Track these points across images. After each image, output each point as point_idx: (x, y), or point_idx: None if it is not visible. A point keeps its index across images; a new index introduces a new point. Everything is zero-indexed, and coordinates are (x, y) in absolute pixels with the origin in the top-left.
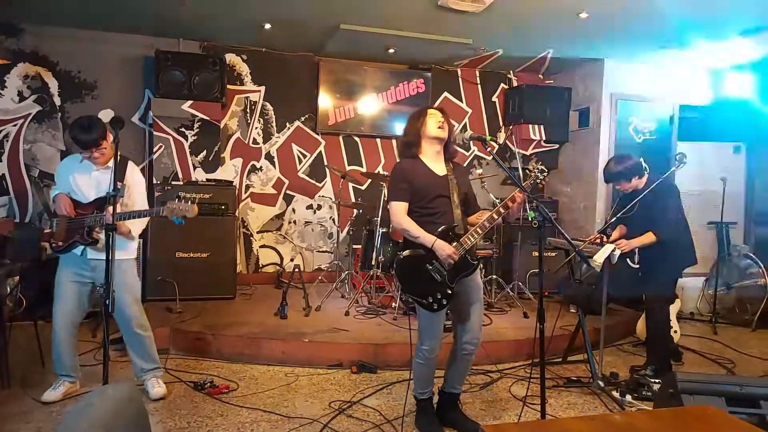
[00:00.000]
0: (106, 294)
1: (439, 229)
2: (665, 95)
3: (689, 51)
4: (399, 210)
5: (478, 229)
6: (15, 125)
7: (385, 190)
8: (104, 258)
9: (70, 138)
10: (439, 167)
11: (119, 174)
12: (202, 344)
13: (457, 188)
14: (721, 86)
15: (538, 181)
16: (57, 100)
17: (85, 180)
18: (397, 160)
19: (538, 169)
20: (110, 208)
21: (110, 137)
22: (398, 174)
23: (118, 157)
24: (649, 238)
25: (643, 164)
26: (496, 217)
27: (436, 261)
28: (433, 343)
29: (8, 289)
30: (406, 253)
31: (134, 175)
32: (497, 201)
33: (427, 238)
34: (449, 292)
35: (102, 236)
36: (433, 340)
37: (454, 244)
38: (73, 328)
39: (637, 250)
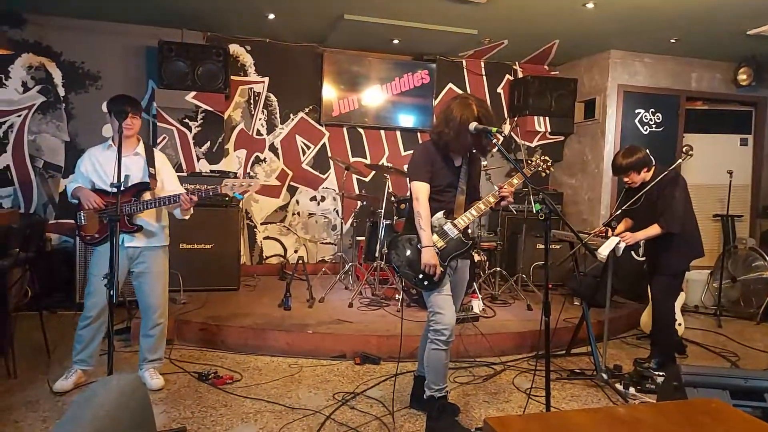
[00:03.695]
0: (110, 284)
1: (440, 212)
2: (672, 86)
3: (692, 42)
4: (423, 191)
5: (473, 211)
6: (19, 116)
7: (389, 182)
8: (143, 246)
9: (108, 106)
10: (457, 158)
11: (149, 160)
12: (207, 335)
13: (467, 177)
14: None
15: (540, 169)
16: (61, 91)
17: (112, 168)
18: (425, 140)
19: (540, 158)
20: (145, 195)
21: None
22: (425, 156)
23: (143, 148)
24: (654, 230)
25: (651, 158)
26: (492, 200)
27: None
28: (448, 320)
29: (14, 279)
30: (402, 234)
31: (161, 159)
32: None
33: (426, 236)
34: (440, 269)
35: (144, 222)
36: (448, 316)
37: (447, 225)
38: (104, 317)
39: (642, 242)
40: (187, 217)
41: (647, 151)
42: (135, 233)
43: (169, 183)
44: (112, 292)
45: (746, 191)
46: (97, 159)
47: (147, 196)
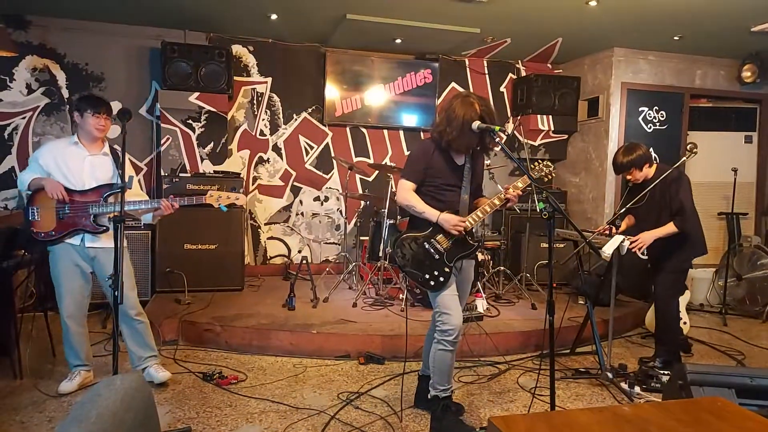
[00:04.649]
0: (115, 285)
1: (446, 213)
2: (676, 84)
3: (696, 39)
4: (406, 187)
5: (479, 213)
6: (24, 118)
7: (392, 182)
8: (103, 246)
9: (79, 104)
10: (460, 157)
11: (117, 163)
12: (211, 335)
13: (470, 176)
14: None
15: (543, 174)
16: (65, 93)
17: (78, 166)
18: (425, 138)
19: (543, 164)
20: (125, 198)
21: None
22: (421, 154)
23: (108, 149)
24: (670, 228)
25: (652, 153)
26: (497, 203)
27: (434, 240)
28: (456, 321)
29: (19, 280)
30: (407, 233)
31: (129, 164)
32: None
33: (431, 212)
34: (447, 270)
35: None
36: (455, 317)
37: None
38: (82, 318)
39: None
40: (155, 222)
41: (648, 147)
42: (101, 234)
43: (133, 185)
44: (117, 293)
45: (751, 189)
46: (61, 155)
47: (112, 198)
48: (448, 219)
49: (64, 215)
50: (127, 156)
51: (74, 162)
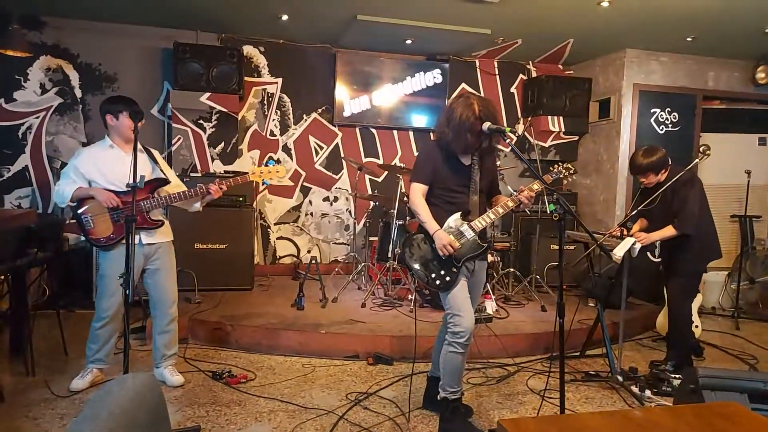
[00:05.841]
0: (126, 283)
1: (457, 214)
2: (688, 85)
3: (709, 40)
4: (418, 191)
5: (491, 214)
6: (37, 117)
7: (402, 182)
8: (158, 242)
9: (113, 106)
10: (466, 157)
11: (152, 159)
12: (221, 334)
13: (480, 174)
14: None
15: (562, 176)
16: (78, 93)
17: (119, 168)
18: (431, 141)
19: (563, 167)
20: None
21: None
22: (428, 156)
23: (141, 146)
24: (669, 231)
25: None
26: (511, 205)
27: None
28: (468, 323)
29: (32, 278)
30: (418, 232)
31: (158, 154)
32: (515, 193)
33: (431, 225)
34: (454, 270)
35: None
36: (467, 319)
37: (464, 227)
38: (119, 317)
39: (657, 243)
40: (201, 209)
41: (665, 151)
42: (157, 229)
43: (171, 177)
44: (128, 292)
45: (765, 191)
46: (102, 161)
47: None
48: (440, 238)
49: (119, 217)
50: (160, 156)
51: (115, 165)
